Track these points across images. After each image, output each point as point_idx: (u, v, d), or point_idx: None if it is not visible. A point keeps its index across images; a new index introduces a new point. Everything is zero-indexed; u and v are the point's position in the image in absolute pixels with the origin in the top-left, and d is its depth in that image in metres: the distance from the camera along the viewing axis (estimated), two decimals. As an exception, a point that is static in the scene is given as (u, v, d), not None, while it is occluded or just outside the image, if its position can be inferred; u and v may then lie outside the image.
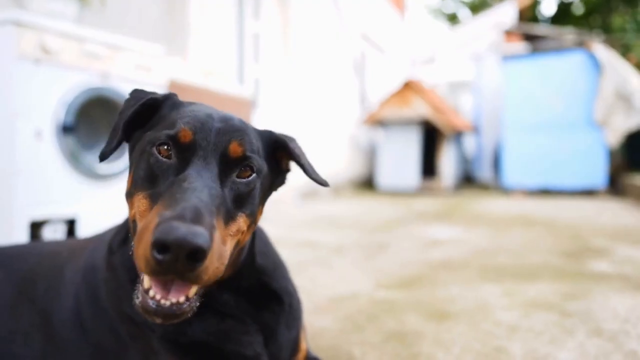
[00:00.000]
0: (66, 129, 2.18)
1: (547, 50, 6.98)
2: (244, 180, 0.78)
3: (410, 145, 7.44)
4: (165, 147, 0.76)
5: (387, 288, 2.02)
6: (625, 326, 1.52)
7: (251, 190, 0.79)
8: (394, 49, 10.77)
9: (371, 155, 9.11)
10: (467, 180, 10.01)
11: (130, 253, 0.89)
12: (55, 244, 1.17)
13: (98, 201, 2.36)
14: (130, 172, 0.82)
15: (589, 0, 17.56)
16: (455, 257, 2.63)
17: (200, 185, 0.70)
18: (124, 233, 0.94)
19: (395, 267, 2.41)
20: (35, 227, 2.11)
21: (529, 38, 8.11)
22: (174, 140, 0.76)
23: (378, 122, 7.64)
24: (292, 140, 0.94)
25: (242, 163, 0.79)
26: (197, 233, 0.60)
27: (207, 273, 0.64)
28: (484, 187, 8.60)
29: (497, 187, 8.07)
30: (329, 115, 7.49)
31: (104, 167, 2.40)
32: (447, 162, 7.55)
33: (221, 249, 0.68)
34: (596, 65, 6.47)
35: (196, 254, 0.60)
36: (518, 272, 2.27)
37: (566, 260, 2.54)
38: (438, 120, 7.13)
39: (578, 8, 18.01)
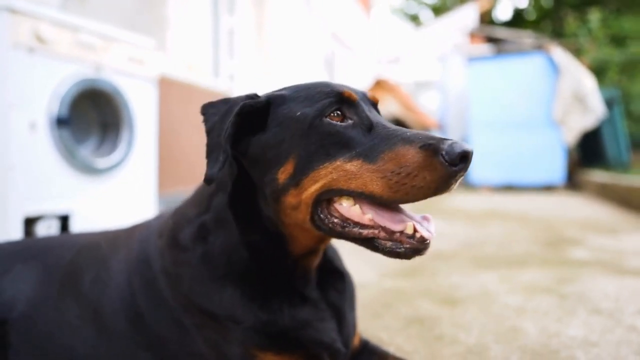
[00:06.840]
0: (60, 122, 2.10)
1: (509, 53, 7.33)
2: None
3: (381, 143, 7.57)
4: (337, 113, 0.82)
5: (391, 278, 2.09)
6: (619, 305, 1.66)
7: None
8: (361, 48, 10.93)
9: (341, 152, 9.19)
10: (433, 177, 10.29)
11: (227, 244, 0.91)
12: (87, 235, 1.13)
13: (92, 197, 2.29)
14: (289, 160, 0.80)
15: (541, 7, 18.53)
16: (446, 249, 2.74)
17: (396, 127, 0.83)
18: (195, 229, 0.91)
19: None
20: (29, 223, 2.03)
21: (491, 40, 8.48)
22: (345, 103, 0.83)
23: (349, 120, 7.73)
24: None
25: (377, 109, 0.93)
26: None
27: None
28: (449, 183, 8.89)
29: (463, 183, 8.38)
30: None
31: (99, 162, 2.33)
32: (416, 159, 7.75)
33: None
34: (554, 68, 6.86)
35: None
36: (508, 261, 2.41)
37: (547, 249, 2.71)
38: (408, 118, 7.32)
39: (530, 14, 18.95)
